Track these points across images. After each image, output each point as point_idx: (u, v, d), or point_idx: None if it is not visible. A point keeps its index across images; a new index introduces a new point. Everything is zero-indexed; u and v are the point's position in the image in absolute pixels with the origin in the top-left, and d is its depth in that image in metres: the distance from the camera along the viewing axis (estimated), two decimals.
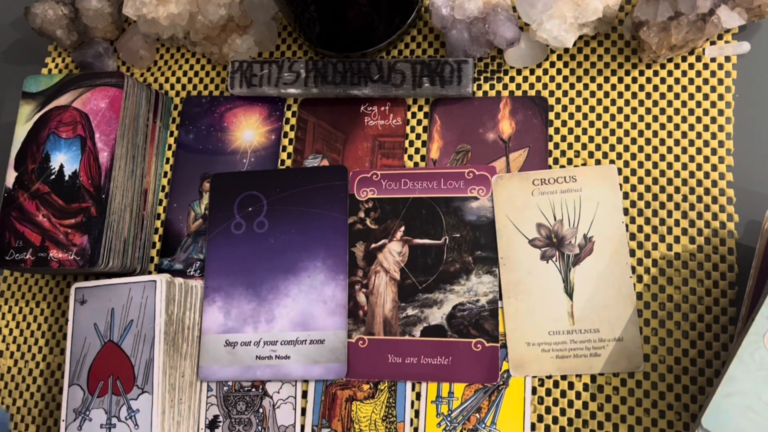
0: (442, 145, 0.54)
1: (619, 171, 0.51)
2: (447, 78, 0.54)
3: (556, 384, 0.48)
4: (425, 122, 0.56)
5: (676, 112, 0.51)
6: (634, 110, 0.52)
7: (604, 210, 0.50)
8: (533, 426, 0.48)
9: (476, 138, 0.54)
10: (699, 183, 0.49)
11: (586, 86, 0.53)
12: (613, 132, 0.52)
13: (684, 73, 0.52)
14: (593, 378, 0.48)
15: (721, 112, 0.50)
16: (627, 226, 0.50)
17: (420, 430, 0.49)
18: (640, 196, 0.50)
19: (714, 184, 0.49)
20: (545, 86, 0.54)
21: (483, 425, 0.48)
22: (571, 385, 0.48)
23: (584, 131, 0.52)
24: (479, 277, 0.50)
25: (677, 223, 0.49)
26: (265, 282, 0.53)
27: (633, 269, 0.49)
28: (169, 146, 0.60)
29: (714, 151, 0.50)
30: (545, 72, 0.54)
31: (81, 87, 0.56)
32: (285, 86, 0.57)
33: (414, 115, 0.56)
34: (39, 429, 0.55)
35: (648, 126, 0.51)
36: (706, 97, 0.51)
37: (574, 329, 0.48)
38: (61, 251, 0.52)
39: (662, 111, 0.51)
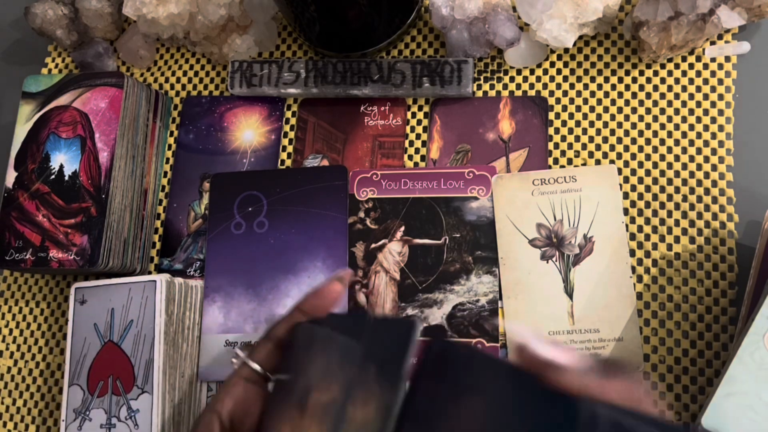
0: (442, 145, 0.54)
1: (619, 171, 0.51)
2: (447, 78, 0.54)
3: None
4: (425, 122, 0.56)
5: (676, 112, 0.51)
6: (634, 110, 0.52)
7: (604, 210, 0.50)
8: None
9: (476, 138, 0.54)
10: (699, 183, 0.49)
11: (586, 86, 0.53)
12: (613, 132, 0.52)
13: (684, 73, 0.52)
14: None
15: (721, 112, 0.50)
16: (627, 226, 0.50)
17: None
18: (640, 196, 0.50)
19: (714, 184, 0.49)
20: (545, 86, 0.54)
21: None
22: None
23: (584, 131, 0.52)
24: (479, 277, 0.50)
25: (677, 223, 0.49)
26: (265, 282, 0.53)
27: (633, 269, 0.49)
28: (169, 146, 0.60)
29: (714, 151, 0.50)
30: (545, 72, 0.54)
31: (81, 87, 0.56)
32: (285, 86, 0.57)
33: (414, 115, 0.56)
34: (39, 429, 0.55)
35: (648, 126, 0.51)
36: (706, 97, 0.51)
37: (574, 329, 0.48)
38: (61, 251, 0.52)
39: (662, 111, 0.51)
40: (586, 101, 0.53)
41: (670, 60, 0.52)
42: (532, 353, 0.28)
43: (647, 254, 0.49)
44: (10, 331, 0.58)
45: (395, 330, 0.31)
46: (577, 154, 0.52)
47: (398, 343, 0.31)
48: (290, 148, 0.57)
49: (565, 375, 0.27)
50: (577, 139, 0.52)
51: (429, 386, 0.28)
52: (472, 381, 0.28)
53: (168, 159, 0.60)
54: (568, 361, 0.27)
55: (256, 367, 0.35)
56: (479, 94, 0.55)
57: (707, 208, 0.49)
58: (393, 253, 0.52)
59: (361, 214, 0.54)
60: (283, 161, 0.57)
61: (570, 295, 0.49)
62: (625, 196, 0.50)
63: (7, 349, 0.58)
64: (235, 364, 0.36)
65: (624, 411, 0.25)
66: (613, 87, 0.53)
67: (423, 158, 0.55)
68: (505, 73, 0.55)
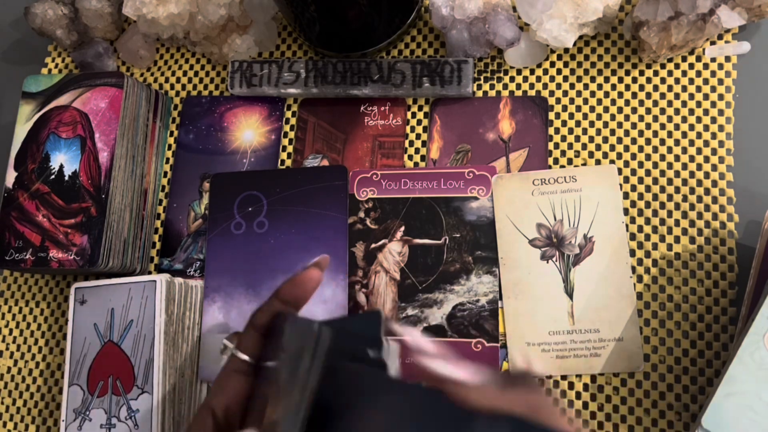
0: (442, 145, 0.54)
1: (619, 171, 0.51)
2: (447, 78, 0.54)
3: (556, 384, 0.48)
4: (425, 122, 0.55)
5: (676, 112, 0.51)
6: (634, 110, 0.52)
7: (604, 210, 0.50)
8: None
9: (476, 138, 0.54)
10: (699, 183, 0.49)
11: (586, 86, 0.53)
12: (613, 132, 0.52)
13: (684, 73, 0.52)
14: (593, 378, 0.48)
15: (721, 112, 0.50)
16: (627, 226, 0.50)
17: None
18: (640, 196, 0.50)
19: (714, 184, 0.49)
20: (545, 86, 0.54)
21: None
22: (571, 385, 0.48)
23: (584, 131, 0.52)
24: (479, 277, 0.50)
25: (677, 223, 0.49)
26: (265, 282, 0.53)
27: (633, 269, 0.49)
28: (169, 146, 0.60)
29: (714, 151, 0.50)
30: (545, 72, 0.54)
31: (81, 87, 0.56)
32: (285, 86, 0.57)
33: (414, 115, 0.56)
34: (39, 429, 0.55)
35: (648, 126, 0.51)
36: (706, 97, 0.51)
37: (574, 329, 0.48)
38: (61, 251, 0.52)
39: (662, 111, 0.51)
40: (586, 101, 0.53)
41: (670, 60, 0.52)
42: (429, 370, 0.29)
43: (647, 254, 0.49)
44: (10, 331, 0.58)
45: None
46: (577, 154, 0.52)
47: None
48: (290, 148, 0.57)
49: (463, 389, 0.28)
50: (577, 139, 0.52)
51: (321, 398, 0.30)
52: (368, 398, 0.28)
53: (168, 159, 0.60)
54: (464, 376, 0.29)
55: (245, 357, 0.35)
56: (479, 94, 0.55)
57: (707, 208, 0.49)
58: (393, 253, 0.52)
59: (361, 214, 0.54)
60: (283, 161, 0.57)
61: (570, 295, 0.49)
62: (625, 196, 0.50)
63: (7, 349, 0.58)
64: (224, 354, 0.36)
65: (521, 422, 0.26)
66: (613, 87, 0.53)
67: (423, 158, 0.55)
68: (505, 73, 0.55)
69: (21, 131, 0.56)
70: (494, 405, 0.27)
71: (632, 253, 0.49)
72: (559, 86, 0.54)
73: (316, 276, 0.37)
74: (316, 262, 0.37)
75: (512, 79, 0.55)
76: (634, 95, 0.52)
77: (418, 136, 0.55)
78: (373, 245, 0.53)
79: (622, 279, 0.48)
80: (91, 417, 0.49)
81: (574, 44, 0.54)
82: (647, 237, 0.49)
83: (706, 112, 0.51)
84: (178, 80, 0.62)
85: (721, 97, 0.51)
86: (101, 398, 0.49)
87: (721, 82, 0.51)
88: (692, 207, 0.49)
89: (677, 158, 0.50)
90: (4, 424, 0.56)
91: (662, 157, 0.50)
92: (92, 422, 0.49)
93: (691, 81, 0.51)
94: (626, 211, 0.50)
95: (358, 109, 0.57)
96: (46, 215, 0.53)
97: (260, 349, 0.35)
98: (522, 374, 0.31)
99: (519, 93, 0.54)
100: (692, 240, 0.49)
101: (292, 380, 0.31)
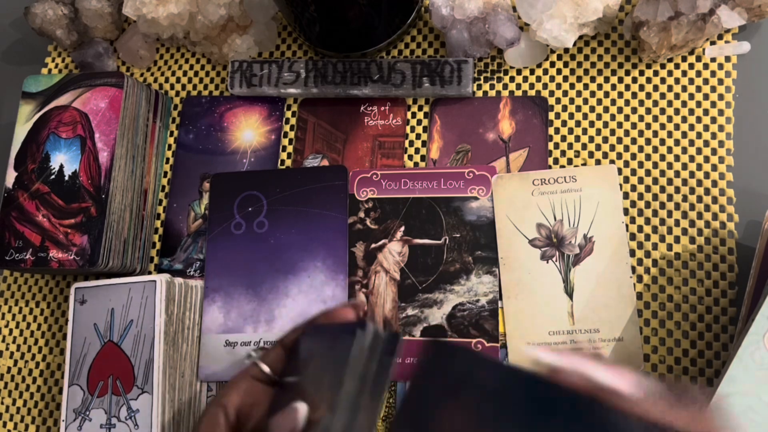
0: (442, 145, 0.54)
1: (619, 171, 0.51)
2: (447, 78, 0.54)
3: None
4: (425, 122, 0.55)
5: (676, 112, 0.51)
6: (634, 110, 0.52)
7: (604, 210, 0.50)
8: None
9: (476, 138, 0.54)
10: (699, 183, 0.49)
11: (586, 86, 0.53)
12: (613, 132, 0.52)
13: (684, 73, 0.52)
14: None
15: (721, 112, 0.50)
16: (627, 226, 0.50)
17: None
18: (640, 196, 0.50)
19: (714, 184, 0.49)
20: (545, 86, 0.54)
21: None
22: None
23: (584, 131, 0.52)
24: (479, 277, 0.50)
25: (677, 223, 0.49)
26: (265, 282, 0.53)
27: (633, 269, 0.49)
28: (169, 146, 0.60)
29: (714, 151, 0.50)
30: (545, 72, 0.54)
31: (81, 87, 0.56)
32: (285, 86, 0.57)
33: (414, 115, 0.56)
34: (39, 429, 0.55)
35: (648, 126, 0.51)
36: (706, 97, 0.51)
37: (574, 329, 0.48)
38: (61, 251, 0.52)
39: (662, 111, 0.51)
40: (586, 101, 0.53)
41: (670, 60, 0.52)
42: (586, 378, 0.25)
43: (647, 254, 0.49)
44: (10, 331, 0.58)
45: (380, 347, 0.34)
46: (577, 154, 0.52)
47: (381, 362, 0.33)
48: (290, 148, 0.57)
49: (623, 401, 0.24)
50: (577, 139, 0.52)
51: (423, 388, 0.28)
52: (465, 380, 0.26)
53: (168, 159, 0.60)
54: (627, 386, 0.25)
55: (265, 368, 0.37)
56: (479, 94, 0.55)
57: (707, 208, 0.49)
58: (393, 253, 0.52)
59: (361, 214, 0.53)
60: (283, 161, 0.57)
61: (570, 295, 0.49)
62: (625, 196, 0.50)
63: (7, 349, 0.58)
64: (247, 361, 0.38)
65: None
66: (613, 87, 0.53)
67: (423, 158, 0.55)
68: (505, 73, 0.55)
69: (21, 131, 0.56)
70: (660, 422, 0.23)
71: (632, 253, 0.49)
72: (559, 86, 0.54)
73: (349, 316, 0.38)
74: (354, 303, 0.40)
75: (512, 79, 0.55)
76: (634, 95, 0.52)
77: (418, 136, 0.55)
78: (373, 245, 0.53)
79: (622, 279, 0.48)
80: (91, 417, 0.49)
81: (574, 44, 0.54)
82: (647, 237, 0.49)
83: (706, 112, 0.51)
84: (178, 80, 0.62)
85: (721, 97, 0.51)
86: (101, 398, 0.49)
87: (721, 82, 0.51)
88: (692, 207, 0.49)
89: (677, 158, 0.50)
90: (4, 424, 0.56)
91: (662, 157, 0.50)
92: (92, 422, 0.49)
93: (691, 81, 0.51)
94: (626, 211, 0.50)
95: (358, 109, 0.57)
96: (46, 215, 0.53)
97: (281, 365, 0.38)
98: (686, 388, 0.27)
99: (519, 93, 0.54)
100: (692, 240, 0.49)
101: (328, 387, 0.32)
